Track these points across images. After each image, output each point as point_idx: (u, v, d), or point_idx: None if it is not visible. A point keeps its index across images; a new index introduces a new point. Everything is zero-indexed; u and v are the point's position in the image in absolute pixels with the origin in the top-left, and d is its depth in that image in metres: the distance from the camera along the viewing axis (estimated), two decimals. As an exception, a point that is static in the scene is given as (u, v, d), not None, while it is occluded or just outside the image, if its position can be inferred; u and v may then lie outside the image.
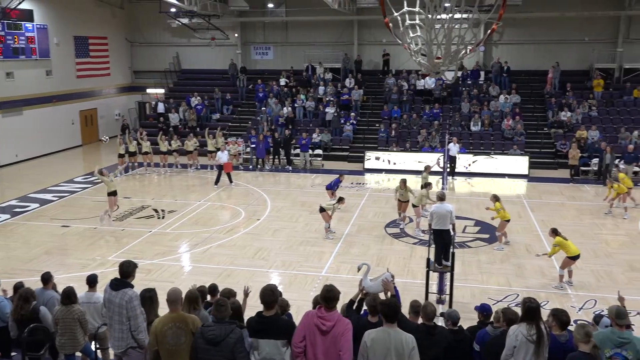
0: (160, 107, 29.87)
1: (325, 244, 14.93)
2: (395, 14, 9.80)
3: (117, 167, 20.98)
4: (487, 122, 26.30)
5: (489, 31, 10.99)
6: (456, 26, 9.56)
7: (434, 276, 11.13)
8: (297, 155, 25.27)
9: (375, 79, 30.63)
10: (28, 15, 26.24)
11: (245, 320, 5.82)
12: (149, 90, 34.22)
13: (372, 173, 24.13)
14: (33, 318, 7.25)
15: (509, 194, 20.09)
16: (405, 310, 6.46)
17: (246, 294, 7.49)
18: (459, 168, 23.30)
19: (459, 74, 28.92)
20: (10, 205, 18.86)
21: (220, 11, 29.77)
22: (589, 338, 5.48)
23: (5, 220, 17.25)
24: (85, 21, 30.50)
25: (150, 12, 32.35)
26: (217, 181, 21.41)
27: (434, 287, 11.15)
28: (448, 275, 10.81)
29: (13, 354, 7.91)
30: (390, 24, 9.93)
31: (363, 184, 22.37)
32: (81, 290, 7.91)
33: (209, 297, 7.71)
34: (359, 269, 7.42)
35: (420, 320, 6.41)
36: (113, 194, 16.36)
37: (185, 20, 31.28)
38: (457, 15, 9.47)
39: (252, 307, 6.15)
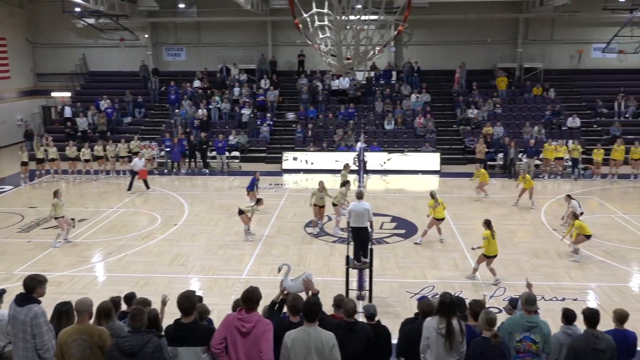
0: (68, 112, 28.42)
1: (245, 247, 14.82)
2: (305, 15, 9.86)
3: (19, 176, 19.71)
4: (400, 120, 27.09)
5: (396, 32, 11.29)
6: (364, 27, 9.75)
7: (354, 273, 11.32)
8: (213, 157, 24.93)
9: (290, 79, 30.68)
10: None
11: (164, 329, 5.68)
12: (54, 94, 32.57)
13: (290, 173, 24.22)
14: None
15: (422, 190, 20.74)
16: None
17: (164, 302, 7.30)
18: (374, 166, 23.91)
19: (372, 74, 29.66)
20: None
21: (128, 11, 28.77)
22: (489, 326, 5.81)
23: None
24: (-21, 21, 28.58)
25: (53, 12, 30.70)
26: (129, 187, 20.71)
27: (354, 284, 11.34)
28: (367, 271, 11.03)
29: None
30: (301, 25, 9.98)
31: (281, 184, 22.41)
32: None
33: (125, 307, 7.43)
34: (279, 270, 7.42)
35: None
36: (61, 216, 15.12)
37: (91, 21, 29.86)
38: (365, 17, 9.66)
39: (172, 315, 6.00)
